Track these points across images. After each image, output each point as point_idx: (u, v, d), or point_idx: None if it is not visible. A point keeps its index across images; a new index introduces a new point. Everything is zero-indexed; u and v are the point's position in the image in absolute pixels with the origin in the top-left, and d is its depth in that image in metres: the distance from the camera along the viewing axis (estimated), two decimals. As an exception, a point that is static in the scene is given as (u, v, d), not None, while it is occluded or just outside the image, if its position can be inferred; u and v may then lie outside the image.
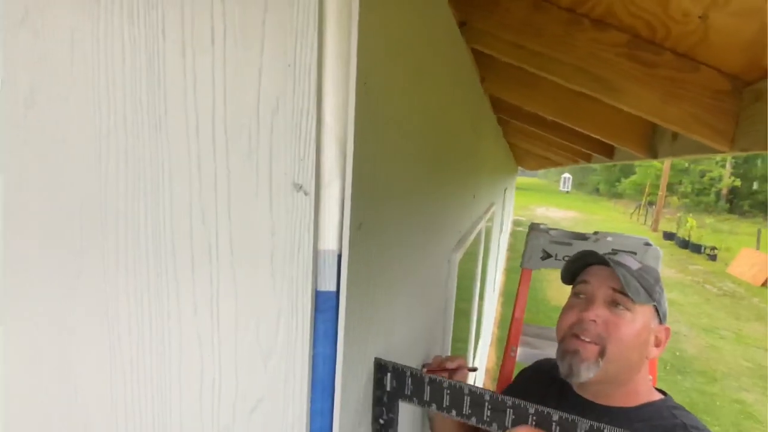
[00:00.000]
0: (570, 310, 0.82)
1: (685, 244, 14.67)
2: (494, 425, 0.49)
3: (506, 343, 1.78)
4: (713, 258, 13.27)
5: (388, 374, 0.54)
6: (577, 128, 1.61)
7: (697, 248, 14.15)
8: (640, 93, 0.82)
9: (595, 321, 0.77)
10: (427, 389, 0.52)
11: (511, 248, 9.89)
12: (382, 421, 0.55)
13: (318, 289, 0.43)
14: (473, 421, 0.50)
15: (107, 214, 0.46)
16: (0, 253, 0.48)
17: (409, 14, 0.56)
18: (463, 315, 2.06)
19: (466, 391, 0.50)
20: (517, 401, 0.48)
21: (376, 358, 0.54)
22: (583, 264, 0.87)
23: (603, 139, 1.65)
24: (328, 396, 0.45)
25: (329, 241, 0.42)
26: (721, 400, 5.18)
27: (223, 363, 0.45)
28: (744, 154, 0.82)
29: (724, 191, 26.10)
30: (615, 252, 0.86)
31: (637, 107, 0.85)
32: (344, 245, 0.41)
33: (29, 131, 0.46)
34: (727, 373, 5.89)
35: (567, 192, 38.58)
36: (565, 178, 38.93)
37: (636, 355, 0.77)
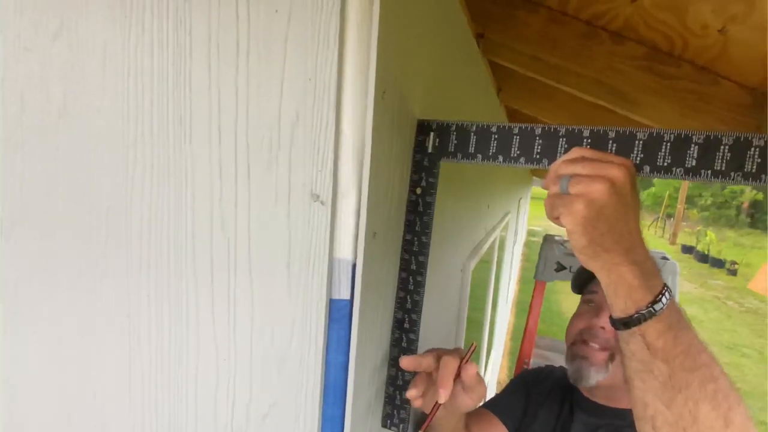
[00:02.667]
0: (579, 317, 0.82)
1: (704, 258, 14.30)
2: (545, 161, 0.44)
3: (519, 355, 1.75)
4: (733, 273, 12.91)
5: (431, 133, 0.49)
6: (593, 139, 1.59)
7: (717, 263, 13.77)
8: (658, 105, 0.81)
9: (604, 328, 0.77)
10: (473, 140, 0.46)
11: (526, 258, 9.77)
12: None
13: (332, 297, 0.43)
14: (522, 162, 0.45)
15: (132, 219, 0.47)
16: (28, 255, 0.50)
17: (427, 27, 0.57)
18: (475, 325, 2.05)
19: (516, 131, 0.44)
20: (570, 128, 0.43)
21: (418, 120, 0.51)
22: (592, 273, 0.86)
23: (620, 151, 1.63)
24: (340, 403, 0.45)
25: (344, 250, 0.43)
26: (743, 421, 5.00)
27: (238, 368, 0.46)
28: (765, 169, 0.80)
29: (746, 205, 25.42)
30: None
31: (655, 120, 0.84)
32: (359, 254, 0.42)
33: (61, 139, 0.48)
34: (749, 392, 5.68)
35: (583, 202, 37.89)
36: (581, 188, 38.29)
37: None
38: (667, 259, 1.32)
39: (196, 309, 0.47)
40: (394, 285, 0.54)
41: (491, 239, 1.87)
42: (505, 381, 4.58)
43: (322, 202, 0.40)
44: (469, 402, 0.51)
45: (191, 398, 0.48)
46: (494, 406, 0.88)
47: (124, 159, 0.47)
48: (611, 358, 0.75)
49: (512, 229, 4.17)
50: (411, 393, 0.49)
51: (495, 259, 2.44)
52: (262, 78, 0.40)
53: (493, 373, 3.85)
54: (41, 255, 0.50)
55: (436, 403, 0.48)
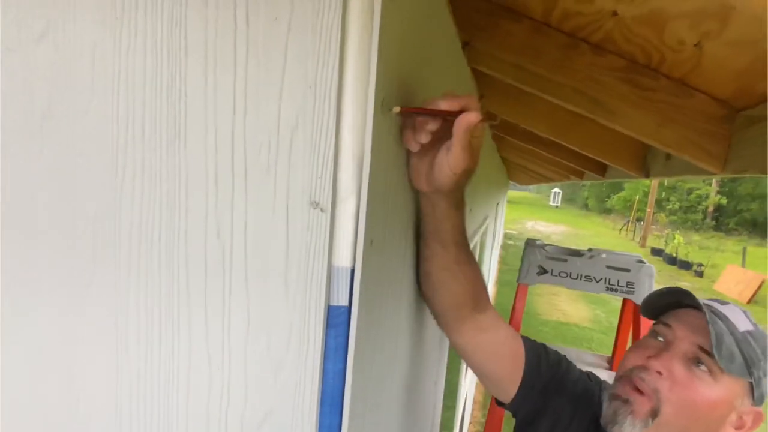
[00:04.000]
0: (641, 349, 0.69)
1: (672, 261, 14.88)
2: None
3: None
4: (700, 275, 13.46)
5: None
6: (571, 146, 1.65)
7: (685, 265, 14.34)
8: (636, 116, 0.85)
9: (660, 374, 0.64)
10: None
11: (503, 261, 9.92)
12: None
13: (330, 303, 0.43)
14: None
15: (121, 225, 0.46)
16: (10, 261, 0.48)
17: (422, 36, 0.58)
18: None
19: None
20: None
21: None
22: (672, 302, 0.71)
23: (596, 158, 1.69)
24: (337, 411, 0.45)
25: (343, 257, 0.43)
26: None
27: (233, 376, 0.46)
28: (737, 176, 0.85)
29: (710, 209, 26.59)
30: (724, 302, 0.71)
31: (633, 129, 0.88)
32: (357, 260, 0.42)
33: (45, 142, 0.47)
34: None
35: (557, 207, 39.00)
36: (554, 192, 39.38)
37: (700, 430, 0.65)
38: (644, 263, 1.37)
39: (188, 316, 0.46)
40: (390, 291, 0.54)
41: (472, 243, 1.89)
42: (482, 389, 4.61)
43: (321, 209, 0.40)
44: (446, 167, 0.49)
45: (182, 408, 0.47)
46: (525, 339, 0.75)
47: (113, 163, 0.45)
48: (654, 413, 0.63)
49: (491, 232, 4.24)
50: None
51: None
52: (261, 83, 0.40)
53: (472, 380, 3.89)
54: (23, 262, 0.48)
55: (438, 113, 0.46)
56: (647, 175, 1.40)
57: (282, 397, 0.45)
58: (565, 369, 0.76)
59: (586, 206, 38.89)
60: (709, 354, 0.63)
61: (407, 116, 0.48)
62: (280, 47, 0.39)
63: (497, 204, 4.87)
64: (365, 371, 0.49)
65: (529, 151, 2.81)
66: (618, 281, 1.69)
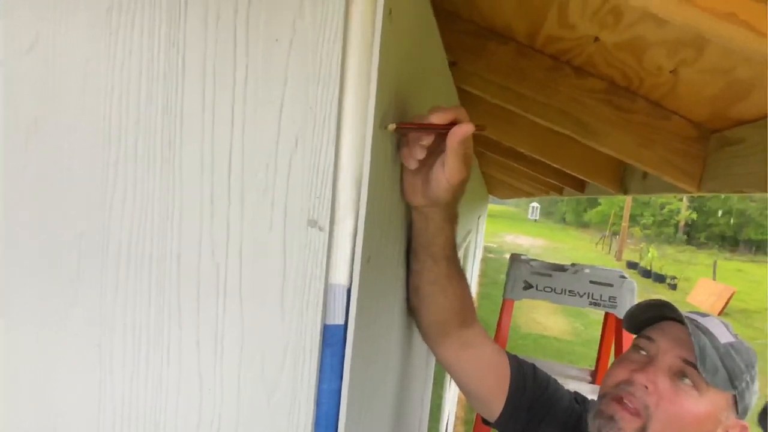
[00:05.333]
0: (624, 364, 0.68)
1: (647, 274, 15.27)
2: None
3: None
4: (674, 287, 13.84)
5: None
6: (551, 163, 1.69)
7: (659, 278, 14.72)
8: (617, 136, 0.88)
9: (647, 388, 0.63)
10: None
11: (483, 274, 10.00)
12: None
13: (326, 322, 0.43)
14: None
15: (109, 244, 0.45)
16: (-8, 282, 0.47)
17: (416, 57, 0.59)
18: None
19: None
20: None
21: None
22: (654, 316, 0.71)
23: (576, 174, 1.73)
24: None
25: (339, 275, 0.43)
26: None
27: (225, 399, 0.45)
28: (711, 194, 0.88)
29: (682, 223, 27.52)
30: (705, 314, 0.71)
31: (614, 149, 0.91)
32: (354, 279, 0.42)
33: (30, 158, 0.45)
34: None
35: (535, 220, 39.72)
36: (533, 206, 40.15)
37: None
38: (625, 278, 1.41)
39: (178, 338, 0.45)
40: (384, 307, 0.54)
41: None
42: (465, 405, 4.56)
43: (320, 228, 0.40)
44: (442, 179, 0.50)
45: (170, 432, 0.46)
46: (509, 354, 0.74)
47: (103, 180, 0.44)
48: (642, 429, 0.62)
49: (473, 246, 4.28)
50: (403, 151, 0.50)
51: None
52: (260, 104, 0.40)
53: (455, 396, 3.87)
54: (1, 278, 0.46)
55: (430, 128, 0.48)
56: (626, 192, 1.45)
57: (275, 420, 0.44)
58: (553, 390, 0.75)
59: (563, 220, 39.75)
60: (693, 366, 0.62)
61: (401, 133, 0.49)
62: (281, 68, 0.39)
63: (478, 217, 4.93)
64: (360, 390, 0.49)
65: (509, 166, 2.87)
66: (601, 296, 1.72)
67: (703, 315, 0.70)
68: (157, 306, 0.45)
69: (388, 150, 0.48)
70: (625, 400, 0.63)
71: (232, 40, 0.40)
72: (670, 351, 0.65)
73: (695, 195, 0.95)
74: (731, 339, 0.66)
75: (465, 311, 0.68)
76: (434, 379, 1.63)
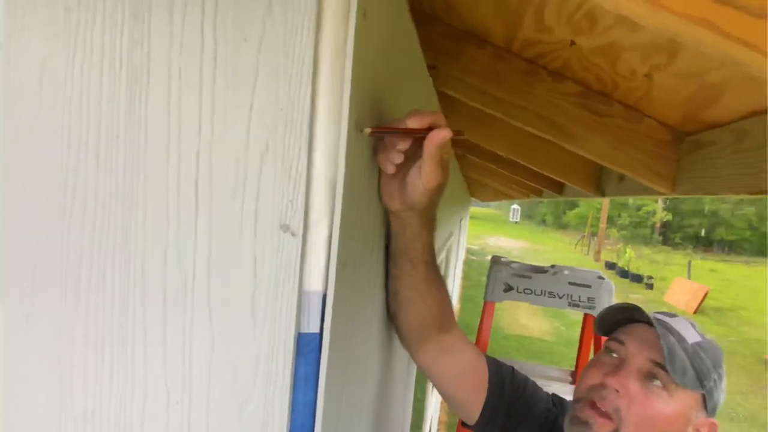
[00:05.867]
0: (596, 367, 0.69)
1: (624, 274, 15.61)
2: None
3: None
4: (650, 287, 14.19)
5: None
6: (530, 166, 1.71)
7: (636, 278, 15.07)
8: (592, 139, 0.89)
9: (618, 391, 0.64)
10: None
11: (466, 277, 10.06)
12: None
13: (300, 330, 0.42)
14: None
15: (69, 252, 0.43)
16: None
17: (393, 59, 0.58)
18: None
19: None
20: None
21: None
22: (623, 318, 0.72)
23: (554, 177, 1.76)
24: (307, 444, 0.43)
25: (314, 281, 0.41)
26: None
27: (193, 413, 0.43)
28: (684, 196, 0.90)
29: (657, 224, 28.30)
30: (672, 314, 0.71)
31: (590, 152, 0.92)
32: (330, 285, 0.41)
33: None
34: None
35: (516, 222, 40.29)
36: (514, 209, 40.70)
37: None
38: (603, 279, 1.43)
39: (143, 349, 0.43)
40: (361, 314, 0.53)
41: (439, 260, 1.91)
42: (447, 409, 4.57)
43: (292, 233, 0.39)
44: (419, 184, 0.50)
45: (136, 449, 0.44)
46: (488, 358, 0.74)
47: (62, 186, 0.42)
48: None
49: (455, 248, 4.30)
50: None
51: (441, 279, 2.48)
52: (229, 104, 0.39)
53: (437, 401, 3.87)
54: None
55: (408, 132, 0.47)
56: (603, 194, 1.47)
57: (248, 433, 0.42)
58: (531, 393, 0.76)
59: (543, 222, 40.43)
60: (663, 368, 0.63)
61: (378, 137, 0.48)
62: (250, 68, 0.38)
63: (460, 220, 4.96)
64: (336, 401, 0.47)
65: (490, 170, 2.90)
66: (580, 297, 1.75)
67: (671, 315, 0.72)
68: (121, 316, 0.42)
69: (365, 153, 0.47)
70: (597, 405, 0.64)
71: (199, 39, 0.38)
72: (639, 353, 0.66)
73: (669, 197, 0.97)
74: (698, 339, 0.67)
75: (444, 316, 0.68)
76: (416, 384, 1.62)
